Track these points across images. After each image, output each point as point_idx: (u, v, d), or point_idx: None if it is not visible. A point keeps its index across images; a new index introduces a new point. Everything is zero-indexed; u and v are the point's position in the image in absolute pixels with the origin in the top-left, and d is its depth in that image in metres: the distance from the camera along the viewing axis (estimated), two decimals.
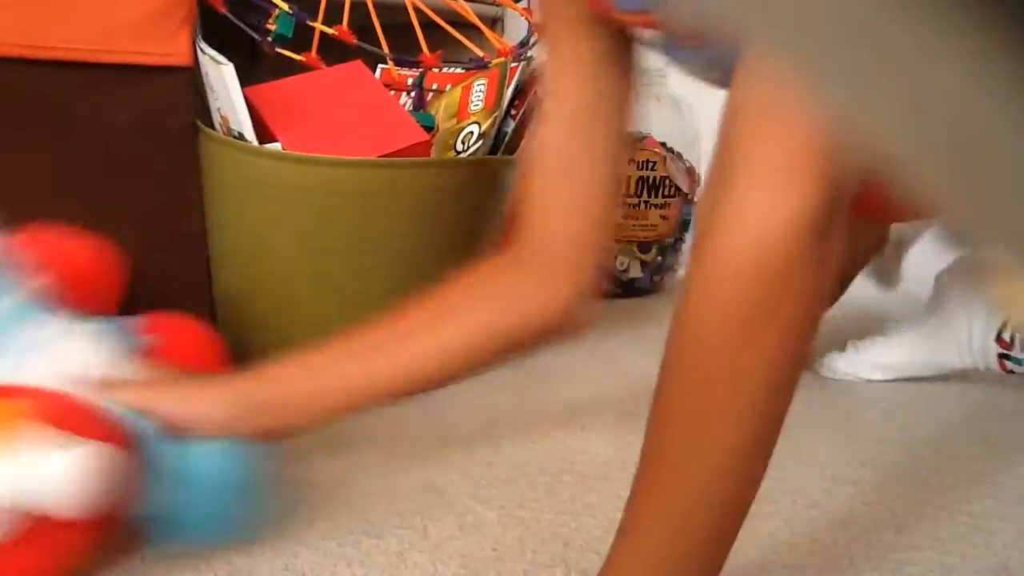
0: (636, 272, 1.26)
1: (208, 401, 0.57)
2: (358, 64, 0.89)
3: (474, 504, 0.66)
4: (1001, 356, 0.92)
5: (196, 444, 0.55)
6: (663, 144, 1.23)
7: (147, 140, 0.74)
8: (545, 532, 0.62)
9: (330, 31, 0.83)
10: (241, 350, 0.85)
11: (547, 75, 0.64)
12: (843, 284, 1.00)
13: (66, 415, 0.48)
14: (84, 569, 0.52)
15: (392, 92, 0.93)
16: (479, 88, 0.94)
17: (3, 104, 0.65)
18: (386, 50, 0.88)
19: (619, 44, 0.63)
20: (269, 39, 0.82)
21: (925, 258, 1.05)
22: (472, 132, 0.91)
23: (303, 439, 0.74)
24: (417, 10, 0.91)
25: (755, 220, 0.43)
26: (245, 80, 0.74)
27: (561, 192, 0.62)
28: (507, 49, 1.02)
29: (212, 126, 0.80)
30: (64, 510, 0.45)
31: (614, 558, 0.51)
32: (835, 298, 0.93)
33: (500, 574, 0.57)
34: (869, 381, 0.98)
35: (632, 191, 1.23)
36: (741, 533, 0.63)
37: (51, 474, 0.45)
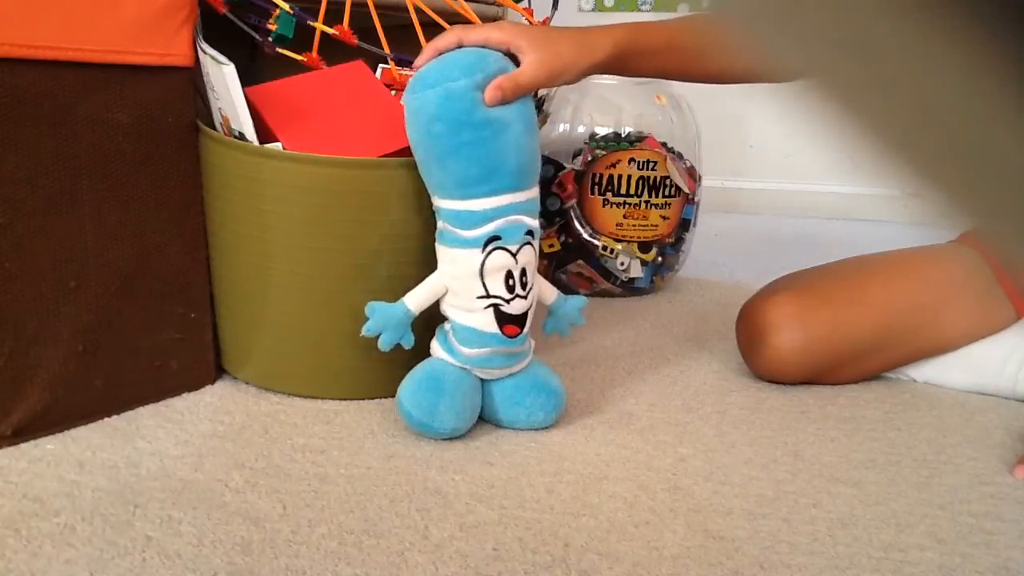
0: (636, 272, 1.26)
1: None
2: (359, 64, 0.89)
3: (474, 504, 0.66)
4: None
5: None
6: (663, 144, 1.23)
7: (147, 140, 0.74)
8: (545, 532, 0.62)
9: (331, 31, 0.83)
10: (241, 349, 0.85)
11: None
12: None
13: None
14: None
15: (393, 92, 0.93)
16: None
17: (3, 104, 0.65)
18: (387, 50, 0.88)
19: None
20: (270, 39, 0.82)
21: None
22: None
23: (301, 441, 0.74)
24: (418, 10, 0.91)
25: None
26: (245, 80, 0.74)
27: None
28: None
29: (212, 126, 0.80)
30: None
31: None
32: None
33: (500, 574, 0.57)
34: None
35: (632, 191, 1.23)
36: (742, 533, 0.63)
37: None
